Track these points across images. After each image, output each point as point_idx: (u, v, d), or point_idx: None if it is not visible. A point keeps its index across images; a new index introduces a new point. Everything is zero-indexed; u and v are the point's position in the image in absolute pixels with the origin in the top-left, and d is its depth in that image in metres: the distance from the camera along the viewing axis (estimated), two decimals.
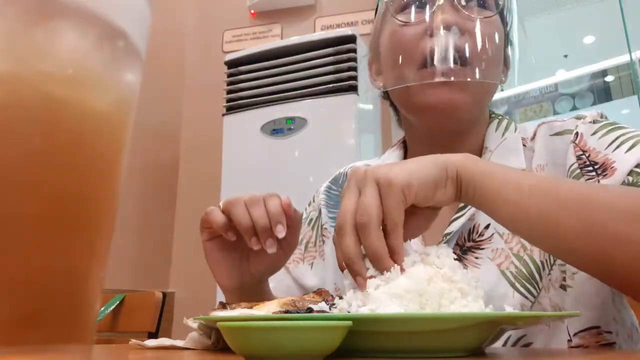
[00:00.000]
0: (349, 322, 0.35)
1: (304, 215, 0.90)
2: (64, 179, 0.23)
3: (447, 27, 0.64)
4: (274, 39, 2.54)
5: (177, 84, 2.68)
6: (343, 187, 0.52)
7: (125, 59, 0.26)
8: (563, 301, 0.62)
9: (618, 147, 0.62)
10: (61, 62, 0.23)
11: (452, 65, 0.63)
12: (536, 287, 0.62)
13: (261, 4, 2.56)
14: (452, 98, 0.65)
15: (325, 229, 0.85)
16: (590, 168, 0.63)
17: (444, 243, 0.67)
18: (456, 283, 0.44)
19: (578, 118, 0.69)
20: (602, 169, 0.61)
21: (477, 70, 0.64)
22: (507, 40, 0.73)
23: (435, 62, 0.64)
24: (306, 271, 0.84)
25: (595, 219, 0.47)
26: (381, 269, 0.46)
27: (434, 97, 0.66)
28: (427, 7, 0.66)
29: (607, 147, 0.63)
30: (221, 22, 2.69)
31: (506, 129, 0.73)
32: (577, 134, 0.66)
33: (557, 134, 0.69)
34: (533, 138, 0.72)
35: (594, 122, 0.67)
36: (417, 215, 0.52)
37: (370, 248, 0.47)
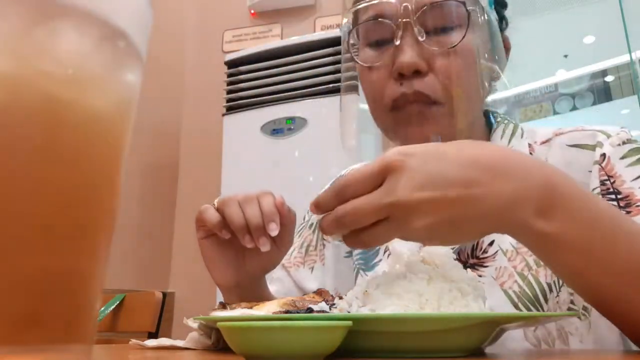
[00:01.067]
0: (349, 322, 0.35)
1: (306, 219, 0.90)
2: (65, 179, 0.23)
3: (409, 69, 0.62)
4: (274, 39, 2.54)
5: (177, 84, 2.67)
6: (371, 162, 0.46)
7: (125, 59, 0.26)
8: (573, 327, 0.59)
9: None
10: (62, 62, 0.23)
11: (416, 109, 0.63)
12: (540, 310, 0.60)
13: (261, 4, 2.56)
14: (427, 133, 0.63)
15: None
16: (613, 197, 0.60)
17: None
18: (456, 283, 0.44)
19: (602, 133, 0.64)
20: (625, 203, 0.58)
21: (444, 106, 0.63)
22: (492, 47, 0.67)
23: (402, 108, 0.64)
24: (307, 275, 0.83)
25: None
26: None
27: (409, 134, 0.65)
28: (389, 45, 0.64)
29: (634, 180, 0.59)
30: (221, 22, 2.69)
31: (512, 134, 0.70)
32: (603, 155, 0.62)
33: (575, 145, 0.66)
34: (544, 143, 0.69)
35: (623, 143, 0.63)
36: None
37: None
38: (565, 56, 4.26)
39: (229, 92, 2.23)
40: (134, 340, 0.60)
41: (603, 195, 0.60)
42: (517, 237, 0.46)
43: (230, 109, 2.22)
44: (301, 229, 0.89)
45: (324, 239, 0.85)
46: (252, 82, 2.18)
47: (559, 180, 0.44)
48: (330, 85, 2.03)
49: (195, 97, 2.66)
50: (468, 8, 0.62)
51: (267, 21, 2.61)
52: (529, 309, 0.60)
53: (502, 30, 0.70)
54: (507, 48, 0.71)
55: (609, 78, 4.28)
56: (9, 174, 0.21)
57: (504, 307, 0.60)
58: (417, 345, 0.39)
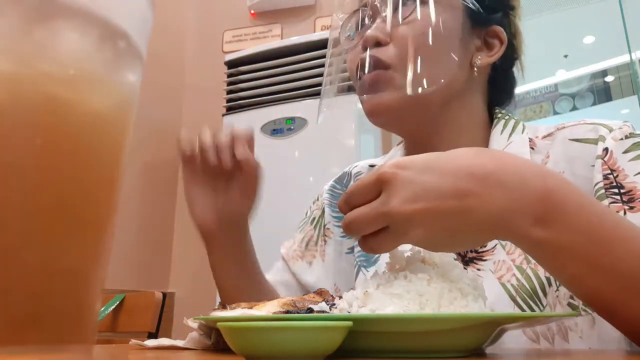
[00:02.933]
0: (350, 323, 0.35)
1: (307, 214, 0.90)
2: (65, 179, 0.23)
3: (371, 41, 0.67)
4: (274, 39, 2.54)
5: (177, 84, 2.67)
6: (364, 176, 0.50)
7: (126, 59, 0.26)
8: (573, 323, 0.59)
9: None
10: (62, 62, 0.23)
11: (366, 72, 0.66)
12: (539, 304, 0.60)
13: (261, 4, 2.56)
14: (378, 101, 0.66)
15: (328, 229, 0.85)
16: (616, 190, 0.60)
17: None
18: (456, 283, 0.44)
19: (605, 126, 0.64)
20: (628, 198, 0.58)
21: (394, 71, 0.65)
22: (466, 31, 0.69)
23: (359, 74, 0.68)
24: (305, 269, 0.85)
25: None
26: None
27: (365, 104, 0.69)
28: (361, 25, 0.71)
29: (637, 174, 0.59)
30: (221, 22, 2.69)
31: (513, 130, 0.70)
32: (606, 149, 0.62)
33: (577, 139, 0.66)
34: (546, 137, 0.69)
35: (626, 137, 0.63)
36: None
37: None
38: (565, 56, 4.27)
39: (229, 92, 2.23)
40: (134, 340, 0.60)
41: (606, 189, 0.60)
42: (515, 243, 0.46)
43: (230, 109, 2.22)
44: (303, 224, 0.90)
45: (325, 235, 0.85)
46: (252, 82, 2.18)
47: (556, 185, 0.44)
48: None
49: (195, 97, 2.66)
50: None
51: (267, 21, 2.61)
52: (527, 303, 0.60)
53: (488, 22, 0.71)
54: (500, 39, 0.72)
55: (609, 78, 4.28)
56: (9, 174, 0.21)
57: (502, 301, 0.60)
58: (417, 345, 0.39)
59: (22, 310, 0.22)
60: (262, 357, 0.34)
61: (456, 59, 0.68)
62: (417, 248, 0.49)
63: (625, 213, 0.58)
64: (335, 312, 0.45)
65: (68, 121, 0.23)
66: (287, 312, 0.45)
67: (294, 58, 2.10)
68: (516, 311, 0.59)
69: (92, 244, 0.25)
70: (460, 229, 0.43)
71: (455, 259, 0.50)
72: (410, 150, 0.77)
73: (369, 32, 0.67)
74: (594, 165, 0.62)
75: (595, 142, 0.64)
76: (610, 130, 0.64)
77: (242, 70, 2.22)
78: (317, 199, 0.90)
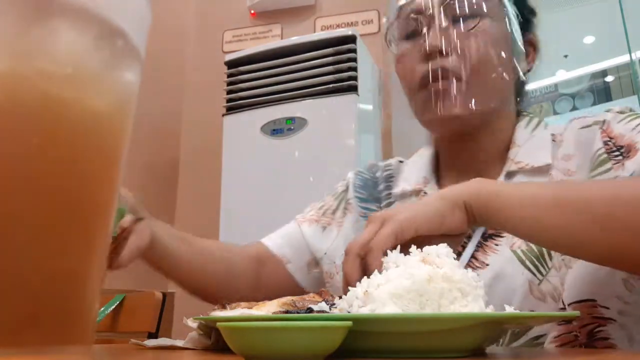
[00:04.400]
0: (349, 322, 0.35)
1: (335, 188, 0.94)
2: (63, 179, 0.23)
3: (433, 49, 0.70)
4: (274, 39, 2.54)
5: (177, 83, 2.67)
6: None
7: (124, 58, 0.26)
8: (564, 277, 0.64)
9: None
10: (60, 61, 0.23)
11: (440, 86, 0.70)
12: (545, 265, 0.64)
13: (261, 4, 2.56)
14: (448, 113, 0.71)
15: (350, 203, 0.88)
16: (617, 152, 0.66)
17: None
18: (456, 283, 0.44)
19: (607, 111, 0.72)
20: (626, 151, 0.65)
21: (465, 83, 0.70)
22: (512, 40, 0.75)
23: (428, 85, 0.72)
24: (317, 233, 0.87)
25: (613, 216, 0.51)
26: (345, 288, 0.52)
27: (432, 115, 0.73)
28: (421, 32, 0.74)
29: (631, 130, 0.66)
30: (221, 22, 2.68)
31: (537, 126, 0.77)
32: (604, 121, 0.70)
33: (586, 126, 0.72)
34: (563, 131, 0.75)
35: (622, 112, 0.71)
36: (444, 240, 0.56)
37: (344, 270, 0.55)
38: (565, 56, 4.27)
39: (229, 92, 2.23)
40: (134, 340, 0.59)
41: (608, 153, 0.67)
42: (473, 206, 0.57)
43: (230, 109, 2.21)
44: (326, 196, 0.94)
45: (346, 209, 0.88)
46: (252, 82, 2.18)
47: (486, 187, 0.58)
48: (330, 85, 2.03)
49: (195, 97, 2.65)
50: (485, 2, 0.72)
51: (267, 21, 2.61)
52: (534, 265, 0.65)
53: (524, 29, 0.76)
54: (534, 46, 0.79)
55: (609, 78, 4.28)
56: (7, 173, 0.21)
57: (512, 264, 0.65)
58: (417, 345, 0.39)
59: (21, 311, 0.22)
60: (261, 357, 0.34)
61: (518, 68, 0.75)
62: (417, 249, 0.49)
63: (623, 165, 0.64)
64: (335, 312, 0.45)
65: (66, 120, 0.23)
66: (287, 312, 0.45)
67: (294, 58, 2.10)
68: (525, 272, 0.64)
69: (90, 244, 0.25)
70: (424, 202, 0.58)
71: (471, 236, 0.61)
72: (442, 145, 0.83)
73: (430, 41, 0.71)
74: (593, 140, 0.69)
75: (597, 123, 0.71)
76: (610, 110, 0.72)
77: (242, 70, 2.21)
78: (344, 179, 0.94)
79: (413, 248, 0.50)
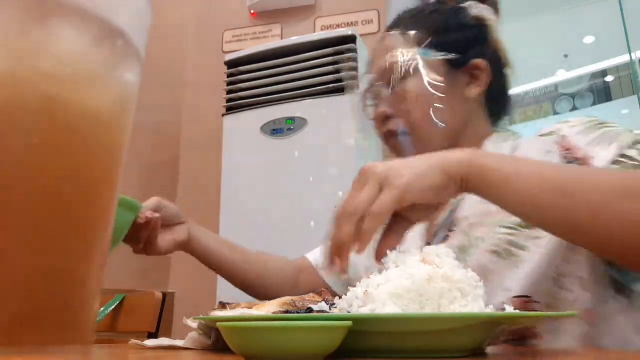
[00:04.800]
0: (349, 322, 0.35)
1: None
2: (63, 180, 0.23)
3: (381, 116, 0.84)
4: (274, 39, 2.54)
5: (177, 84, 2.67)
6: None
7: (124, 58, 0.26)
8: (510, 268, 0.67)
9: (598, 144, 0.67)
10: (60, 61, 0.23)
11: (393, 142, 0.83)
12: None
13: (261, 4, 2.56)
14: (408, 154, 0.77)
15: None
16: (574, 163, 0.68)
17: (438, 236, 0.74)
18: (456, 283, 0.44)
19: (562, 122, 0.75)
20: (582, 164, 0.67)
21: (411, 135, 0.80)
22: (447, 72, 0.80)
23: (387, 142, 0.86)
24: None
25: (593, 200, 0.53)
26: (339, 255, 0.53)
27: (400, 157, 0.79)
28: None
29: (587, 145, 0.68)
30: (221, 22, 2.68)
31: (505, 141, 0.81)
32: (562, 136, 0.72)
33: (543, 135, 0.75)
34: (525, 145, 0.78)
35: (579, 125, 0.72)
36: (419, 210, 0.57)
37: (335, 237, 0.54)
38: (565, 56, 4.27)
39: (229, 92, 2.23)
40: (133, 340, 0.59)
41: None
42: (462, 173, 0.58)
43: (230, 109, 2.21)
44: None
45: None
46: (252, 82, 2.18)
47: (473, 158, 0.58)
48: (330, 85, 2.03)
49: (195, 97, 2.65)
50: (405, 68, 0.81)
51: (267, 21, 2.61)
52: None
53: (465, 61, 0.81)
54: (481, 69, 0.82)
55: (609, 78, 4.29)
56: (5, 173, 0.21)
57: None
58: (417, 345, 0.39)
59: (21, 311, 0.22)
60: (261, 357, 0.34)
61: (465, 96, 0.81)
62: (417, 249, 0.49)
63: None
64: (335, 312, 0.45)
65: (65, 120, 0.23)
66: (287, 312, 0.45)
67: (294, 58, 2.10)
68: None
69: (90, 244, 0.25)
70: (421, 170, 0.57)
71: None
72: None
73: (377, 109, 0.85)
74: (550, 152, 0.72)
75: (554, 134, 0.73)
76: (566, 122, 0.74)
77: (242, 70, 2.21)
78: None
79: (413, 248, 0.50)
